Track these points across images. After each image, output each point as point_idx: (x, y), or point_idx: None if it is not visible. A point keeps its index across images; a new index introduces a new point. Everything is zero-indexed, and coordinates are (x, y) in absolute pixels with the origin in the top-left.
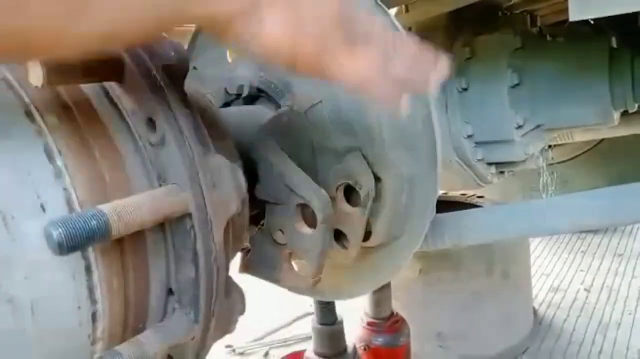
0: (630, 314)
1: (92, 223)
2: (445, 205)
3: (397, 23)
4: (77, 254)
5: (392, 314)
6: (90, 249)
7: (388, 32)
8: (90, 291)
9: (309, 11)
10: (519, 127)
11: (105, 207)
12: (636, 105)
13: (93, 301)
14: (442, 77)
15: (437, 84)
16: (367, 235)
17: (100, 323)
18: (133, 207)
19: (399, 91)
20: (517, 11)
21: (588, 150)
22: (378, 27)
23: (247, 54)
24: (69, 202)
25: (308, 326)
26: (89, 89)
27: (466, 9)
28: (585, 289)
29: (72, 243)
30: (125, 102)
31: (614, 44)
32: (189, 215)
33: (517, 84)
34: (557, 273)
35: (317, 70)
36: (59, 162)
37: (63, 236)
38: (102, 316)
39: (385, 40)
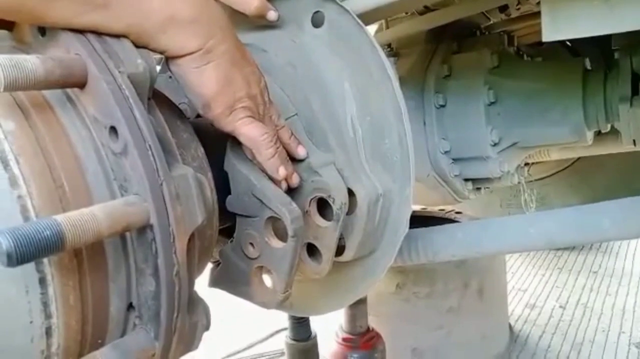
0: (603, 331)
1: (45, 233)
2: (423, 220)
3: (375, 43)
4: (31, 266)
5: (367, 329)
6: (45, 261)
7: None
8: (45, 305)
9: (238, 80)
10: (495, 144)
11: (59, 217)
12: (609, 125)
13: (47, 316)
14: None
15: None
16: (341, 250)
17: (55, 339)
18: (90, 217)
19: (280, 158)
20: (496, 31)
21: (565, 168)
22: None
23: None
24: (24, 211)
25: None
26: (51, 94)
27: (445, 28)
28: (560, 306)
29: (22, 254)
30: (88, 109)
31: (588, 66)
32: (151, 227)
33: (494, 102)
34: (533, 290)
35: (220, 125)
36: (15, 170)
37: (13, 246)
38: (57, 332)
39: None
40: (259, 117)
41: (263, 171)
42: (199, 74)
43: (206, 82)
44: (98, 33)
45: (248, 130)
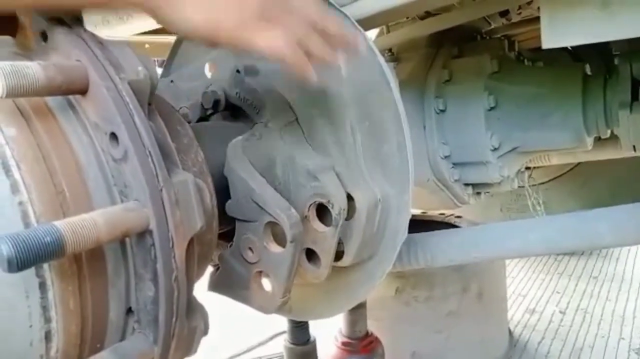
0: (603, 337)
1: (45, 239)
2: (423, 224)
3: (374, 48)
4: (31, 271)
5: (367, 334)
6: (45, 266)
7: (312, 10)
8: (45, 309)
9: None
10: (495, 149)
11: (60, 223)
12: (608, 131)
13: (47, 320)
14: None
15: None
16: (340, 255)
17: (54, 343)
18: (89, 223)
19: (309, 63)
20: (497, 35)
21: (565, 173)
22: (300, 5)
23: (178, 33)
24: (25, 217)
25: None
26: (52, 100)
27: (446, 32)
28: (560, 312)
29: (23, 260)
30: (89, 115)
31: (588, 71)
32: (150, 232)
33: (494, 107)
34: (533, 295)
35: (237, 44)
36: (17, 176)
37: (13, 252)
38: (56, 336)
39: (307, 17)
40: (279, 18)
41: None
42: (183, 12)
43: (192, 18)
44: (109, 9)
45: (265, 43)
